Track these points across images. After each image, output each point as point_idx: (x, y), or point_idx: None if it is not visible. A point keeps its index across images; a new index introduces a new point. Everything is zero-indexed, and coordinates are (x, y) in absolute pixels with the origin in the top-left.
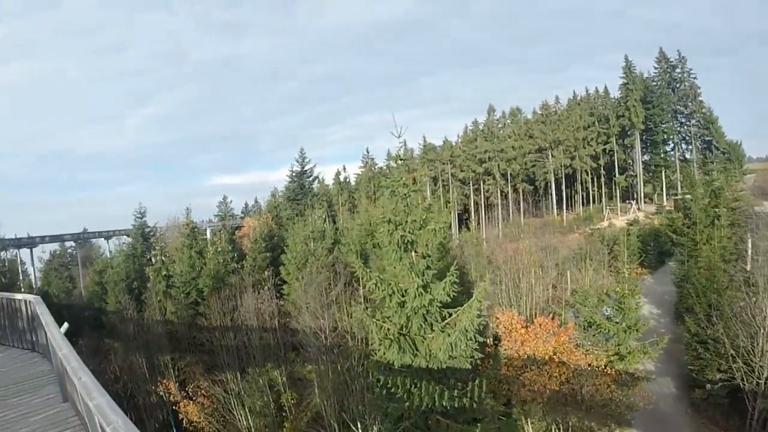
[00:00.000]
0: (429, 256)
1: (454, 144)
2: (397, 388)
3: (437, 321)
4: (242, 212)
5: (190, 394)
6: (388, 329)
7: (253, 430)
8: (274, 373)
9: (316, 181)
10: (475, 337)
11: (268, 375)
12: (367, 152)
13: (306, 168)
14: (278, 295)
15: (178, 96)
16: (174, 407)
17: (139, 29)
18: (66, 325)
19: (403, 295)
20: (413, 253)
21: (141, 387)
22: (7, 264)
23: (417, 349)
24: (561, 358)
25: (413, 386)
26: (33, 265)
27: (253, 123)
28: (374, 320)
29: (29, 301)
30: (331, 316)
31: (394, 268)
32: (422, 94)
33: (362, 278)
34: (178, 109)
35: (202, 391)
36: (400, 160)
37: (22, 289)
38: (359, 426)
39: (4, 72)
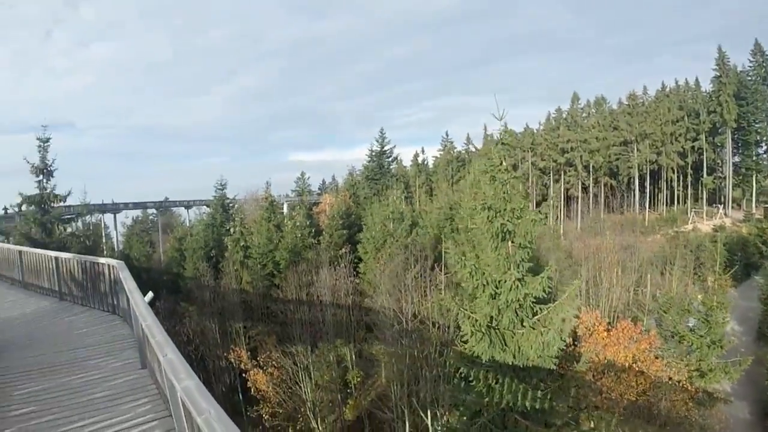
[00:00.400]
0: (526, 248)
1: (535, 131)
2: (479, 382)
3: (528, 317)
4: (319, 189)
5: (261, 363)
6: (476, 320)
7: (317, 403)
8: (343, 350)
9: (395, 162)
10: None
11: (336, 351)
12: (446, 135)
13: (385, 148)
14: (354, 272)
15: (259, 74)
16: (243, 375)
17: (221, 9)
18: (150, 294)
19: (497, 287)
20: (510, 243)
21: (212, 351)
22: (91, 228)
23: (506, 344)
24: (640, 368)
25: (495, 382)
26: (116, 229)
27: (331, 102)
28: (464, 310)
29: (112, 266)
30: (410, 299)
31: (488, 257)
32: (501, 79)
33: (458, 265)
34: (259, 86)
35: (273, 362)
36: (502, 143)
37: (105, 252)
38: (428, 413)
39: (94, 51)
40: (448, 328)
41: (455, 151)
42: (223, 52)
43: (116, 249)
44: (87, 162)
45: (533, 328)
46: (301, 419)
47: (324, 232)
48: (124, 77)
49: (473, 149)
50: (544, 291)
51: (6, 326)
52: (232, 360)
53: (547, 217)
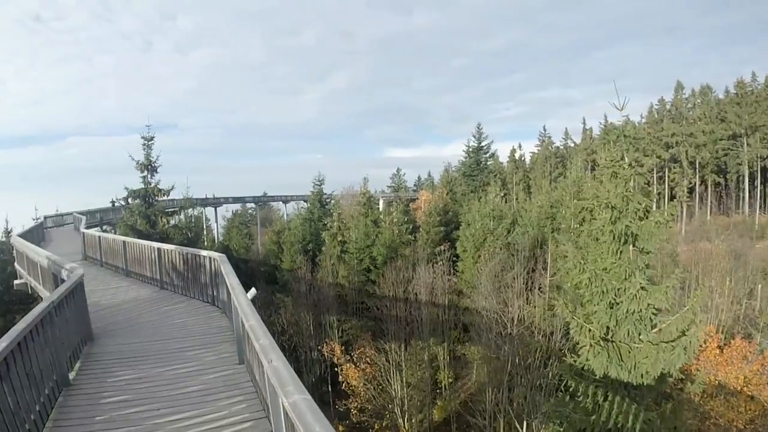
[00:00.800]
0: (649, 253)
1: (637, 124)
2: (586, 398)
3: (647, 329)
4: (414, 185)
5: (355, 359)
6: (590, 331)
7: (406, 401)
8: (436, 348)
9: (492, 158)
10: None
11: (429, 349)
12: (544, 130)
13: (482, 144)
14: (451, 271)
15: (352, 71)
16: (336, 368)
17: (311, 11)
18: (253, 291)
19: (616, 295)
20: (631, 247)
21: (305, 342)
22: (193, 220)
23: (621, 359)
24: (752, 392)
25: (604, 399)
26: (216, 222)
27: (424, 98)
28: (576, 318)
29: (214, 259)
30: (514, 302)
31: (606, 262)
32: (598, 69)
33: (575, 269)
34: (353, 83)
35: (367, 359)
36: (624, 136)
37: (205, 243)
38: (524, 424)
39: (192, 57)
40: (551, 334)
41: (553, 146)
42: (315, 52)
43: (216, 240)
44: (189, 159)
45: (653, 343)
46: (388, 416)
47: (421, 229)
48: (222, 80)
49: (572, 144)
50: (668, 302)
51: (107, 313)
52: (326, 353)
53: (673, 218)
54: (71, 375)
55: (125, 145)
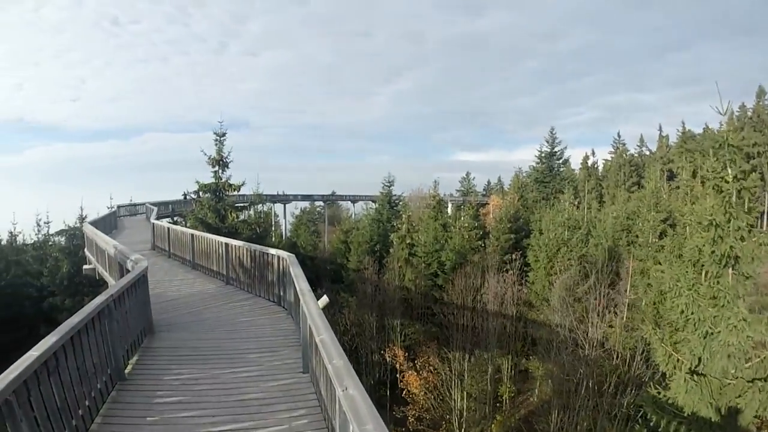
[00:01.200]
0: (750, 278)
1: (716, 132)
2: None
3: (741, 363)
4: (484, 190)
5: (418, 366)
6: (678, 360)
7: (465, 413)
8: (500, 360)
9: (564, 165)
10: None
11: (493, 361)
12: (618, 137)
13: (555, 149)
14: (521, 281)
15: (422, 74)
16: (397, 374)
17: (380, 13)
18: (326, 299)
19: (713, 324)
20: (730, 270)
21: (367, 344)
22: (262, 216)
23: (712, 396)
24: None
25: None
26: (285, 218)
27: (494, 101)
28: (664, 346)
29: (283, 258)
30: (592, 321)
31: (702, 286)
32: (674, 72)
33: (671, 292)
34: (422, 86)
35: (430, 367)
36: (729, 144)
37: (273, 239)
38: None
39: (263, 59)
40: (631, 359)
41: (627, 153)
42: (385, 54)
43: (284, 237)
44: (260, 157)
45: (747, 380)
46: (445, 427)
47: (490, 235)
48: (291, 80)
49: (647, 152)
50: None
51: (170, 305)
52: (388, 357)
53: None
54: (127, 369)
55: (198, 142)
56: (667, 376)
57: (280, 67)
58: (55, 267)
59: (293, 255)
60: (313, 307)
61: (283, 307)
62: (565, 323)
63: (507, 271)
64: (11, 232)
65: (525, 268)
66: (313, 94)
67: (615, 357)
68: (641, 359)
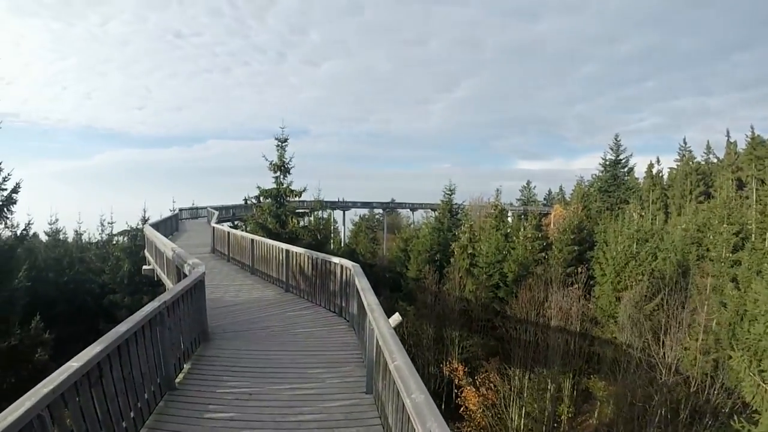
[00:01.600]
0: None
1: None
2: None
3: None
4: (544, 199)
5: (477, 382)
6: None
7: None
8: (561, 379)
9: (629, 173)
10: None
11: (554, 380)
12: (684, 143)
13: (620, 157)
14: (586, 295)
15: (479, 81)
16: (455, 389)
17: (436, 21)
18: (398, 317)
19: None
20: None
21: (424, 354)
22: (322, 222)
23: None
24: None
25: None
26: (344, 225)
27: (554, 108)
28: (752, 375)
29: (346, 267)
30: (670, 344)
31: None
32: (739, 73)
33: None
34: (480, 93)
35: (490, 384)
36: None
37: (332, 245)
38: None
39: (322, 68)
40: (704, 387)
41: (694, 161)
42: (441, 62)
43: (342, 243)
44: (320, 164)
45: None
46: None
47: (553, 247)
48: (350, 89)
49: (714, 160)
50: None
51: (227, 311)
52: (446, 372)
53: None
54: (179, 378)
55: (259, 148)
56: (755, 408)
57: (339, 76)
58: (116, 266)
59: (358, 265)
60: (383, 325)
61: (345, 319)
62: (634, 342)
63: (572, 284)
64: (77, 231)
65: (589, 282)
66: (372, 102)
67: (691, 383)
68: (719, 387)
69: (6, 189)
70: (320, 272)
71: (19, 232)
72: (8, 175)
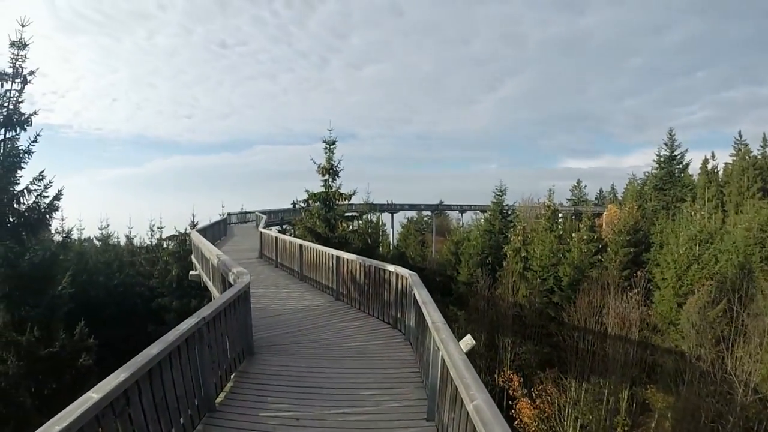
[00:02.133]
0: None
1: None
2: None
3: None
4: (595, 198)
5: (533, 394)
6: None
7: None
8: (618, 389)
9: (684, 170)
10: None
11: (610, 390)
12: (740, 136)
13: (675, 153)
14: (645, 301)
15: (524, 79)
16: (509, 401)
17: (478, 19)
18: (470, 340)
19: None
20: None
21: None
22: (372, 226)
23: None
24: None
25: None
26: (392, 227)
27: (601, 103)
28: None
29: (402, 276)
30: (728, 350)
31: None
32: None
33: None
34: (526, 91)
35: (547, 396)
36: None
37: (381, 249)
38: None
39: (366, 71)
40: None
41: (750, 155)
42: (486, 61)
43: (391, 246)
44: (368, 167)
45: None
46: None
47: (608, 249)
48: (395, 91)
49: None
50: None
51: (274, 322)
52: (501, 382)
53: None
54: (219, 397)
55: (306, 153)
56: None
57: (383, 78)
58: (165, 270)
59: (415, 273)
60: (454, 351)
61: (400, 331)
62: (699, 353)
63: (630, 289)
64: (127, 236)
65: (647, 286)
66: (417, 103)
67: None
68: None
69: (48, 196)
70: (373, 280)
71: (61, 239)
72: (50, 182)
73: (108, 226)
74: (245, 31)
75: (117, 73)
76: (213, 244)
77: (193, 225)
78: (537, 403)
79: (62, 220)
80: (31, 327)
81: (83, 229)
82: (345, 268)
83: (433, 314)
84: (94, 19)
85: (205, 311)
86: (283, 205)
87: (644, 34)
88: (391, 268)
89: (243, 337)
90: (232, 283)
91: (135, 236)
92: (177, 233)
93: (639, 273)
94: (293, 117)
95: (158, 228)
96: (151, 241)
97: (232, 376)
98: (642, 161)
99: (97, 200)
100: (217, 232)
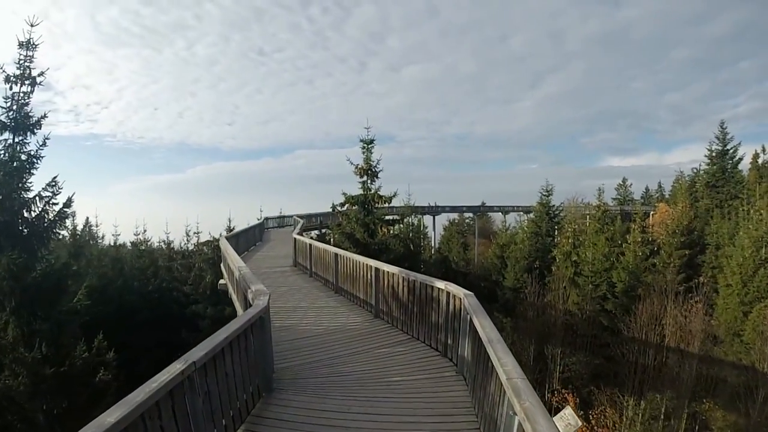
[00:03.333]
0: None
1: None
2: None
3: None
4: (642, 197)
5: (592, 419)
6: None
7: None
8: (673, 404)
9: (737, 165)
10: None
11: (667, 406)
12: None
13: (728, 147)
14: (706, 310)
15: (565, 76)
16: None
17: (516, 16)
18: (571, 416)
19: None
20: None
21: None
22: (413, 229)
23: None
24: None
25: None
26: (434, 230)
27: (643, 99)
28: None
29: (455, 295)
30: None
31: None
32: None
33: None
34: (567, 88)
35: (606, 421)
36: None
37: (423, 252)
38: None
39: (404, 73)
40: None
41: None
42: (525, 59)
43: (433, 250)
44: (408, 170)
45: None
46: None
47: (662, 252)
48: (434, 92)
49: None
50: None
51: (302, 345)
52: (549, 397)
53: None
54: None
55: (347, 156)
56: None
57: (421, 79)
58: (199, 276)
59: (472, 294)
60: (543, 426)
61: (451, 361)
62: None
63: (689, 296)
64: (164, 241)
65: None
66: (457, 104)
67: None
68: None
69: (57, 203)
70: (419, 298)
71: (74, 249)
72: (59, 188)
73: (145, 231)
74: (282, 37)
75: (158, 83)
76: (247, 250)
77: (230, 230)
78: (596, 429)
79: (74, 228)
80: (39, 343)
81: (118, 234)
82: (385, 282)
83: (505, 363)
84: (134, 32)
85: (196, 354)
86: (323, 209)
87: (686, 25)
88: (440, 285)
89: (258, 370)
90: (251, 302)
91: (172, 241)
92: (212, 239)
93: (700, 278)
94: (333, 121)
95: (194, 233)
96: (186, 247)
97: (242, 423)
98: (686, 158)
99: (138, 206)
100: (251, 237)
